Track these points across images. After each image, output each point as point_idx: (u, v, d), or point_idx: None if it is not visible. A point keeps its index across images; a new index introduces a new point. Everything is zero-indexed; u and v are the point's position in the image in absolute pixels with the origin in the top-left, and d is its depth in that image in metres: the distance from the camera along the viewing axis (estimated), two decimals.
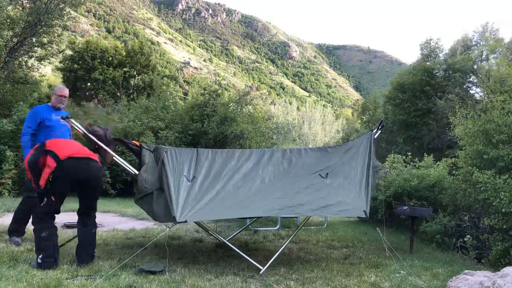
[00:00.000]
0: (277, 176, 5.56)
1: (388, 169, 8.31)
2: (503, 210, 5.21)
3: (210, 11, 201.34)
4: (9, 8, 14.99)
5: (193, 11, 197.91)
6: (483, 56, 17.46)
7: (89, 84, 26.27)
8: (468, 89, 17.69)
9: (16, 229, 5.17)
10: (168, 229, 5.69)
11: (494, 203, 5.34)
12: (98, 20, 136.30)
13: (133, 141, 5.38)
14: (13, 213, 5.35)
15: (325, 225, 8.42)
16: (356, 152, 5.63)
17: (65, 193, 4.24)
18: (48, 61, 17.36)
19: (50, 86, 27.61)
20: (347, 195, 4.96)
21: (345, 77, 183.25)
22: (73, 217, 5.51)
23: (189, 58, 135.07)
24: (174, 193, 4.62)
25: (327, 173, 5.46)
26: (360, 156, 5.43)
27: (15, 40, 14.90)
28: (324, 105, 68.85)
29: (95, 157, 4.48)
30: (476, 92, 17.64)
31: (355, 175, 5.21)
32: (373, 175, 5.25)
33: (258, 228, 7.33)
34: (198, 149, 5.70)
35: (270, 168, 5.67)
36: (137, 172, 5.02)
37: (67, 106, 5.49)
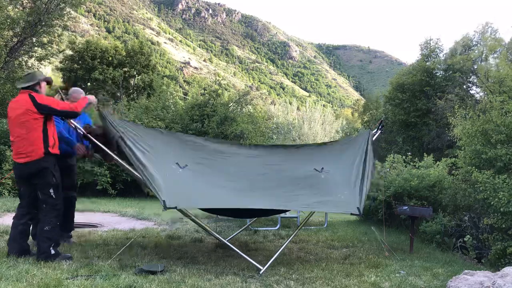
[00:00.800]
0: (272, 170, 5.58)
1: (388, 169, 8.31)
2: (502, 210, 5.21)
3: (210, 11, 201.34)
4: (9, 8, 15.01)
5: (193, 11, 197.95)
6: (483, 56, 17.48)
7: (89, 84, 26.26)
8: (468, 89, 17.72)
9: None
10: (169, 230, 5.69)
11: (492, 203, 5.34)
12: (98, 20, 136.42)
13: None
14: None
15: (325, 225, 8.41)
16: (352, 149, 5.65)
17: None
18: (48, 61, 17.41)
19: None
20: (341, 191, 4.97)
21: (345, 77, 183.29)
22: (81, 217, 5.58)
23: (189, 58, 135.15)
24: (163, 180, 4.33)
25: (322, 168, 5.47)
26: (356, 153, 5.44)
27: (15, 40, 14.94)
28: (324, 105, 68.84)
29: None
30: (476, 92, 17.67)
31: (350, 172, 5.20)
32: (372, 172, 5.22)
33: (258, 228, 7.32)
34: (189, 135, 5.58)
35: (266, 162, 5.69)
36: (137, 173, 4.65)
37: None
